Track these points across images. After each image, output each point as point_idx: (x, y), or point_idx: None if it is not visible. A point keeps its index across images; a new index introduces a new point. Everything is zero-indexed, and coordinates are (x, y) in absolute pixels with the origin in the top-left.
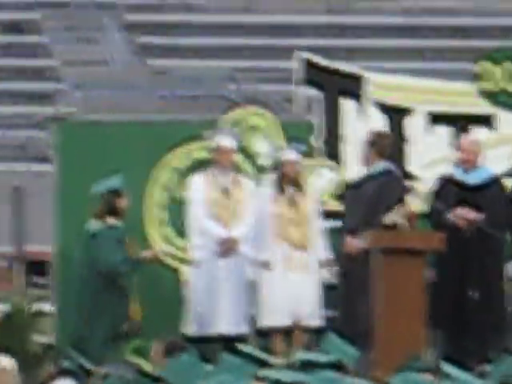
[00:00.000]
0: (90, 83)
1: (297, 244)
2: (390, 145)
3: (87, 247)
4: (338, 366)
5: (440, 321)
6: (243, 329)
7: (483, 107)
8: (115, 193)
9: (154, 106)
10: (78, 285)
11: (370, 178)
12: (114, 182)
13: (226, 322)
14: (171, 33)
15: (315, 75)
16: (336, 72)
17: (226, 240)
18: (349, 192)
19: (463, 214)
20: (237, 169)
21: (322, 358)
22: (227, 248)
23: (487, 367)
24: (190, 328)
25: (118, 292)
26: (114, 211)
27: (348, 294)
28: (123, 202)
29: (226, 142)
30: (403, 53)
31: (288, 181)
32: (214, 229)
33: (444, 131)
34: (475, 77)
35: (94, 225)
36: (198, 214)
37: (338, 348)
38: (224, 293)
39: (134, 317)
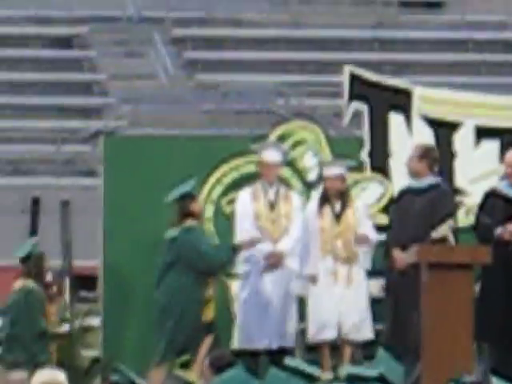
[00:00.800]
0: (137, 97)
1: (342, 257)
2: (438, 159)
3: (168, 253)
4: (382, 380)
5: (487, 335)
6: (290, 343)
7: None
8: (189, 197)
9: (200, 120)
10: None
11: (420, 192)
12: (187, 186)
13: (273, 336)
14: (219, 47)
15: (363, 90)
16: (385, 86)
17: (272, 254)
18: (396, 205)
19: (510, 228)
20: (284, 183)
21: (367, 372)
22: (273, 262)
23: None
24: (238, 342)
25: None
26: (189, 215)
27: (396, 308)
28: (197, 206)
29: (271, 155)
30: (452, 67)
31: (333, 195)
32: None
33: (492, 145)
34: None
35: (171, 232)
36: (244, 228)
37: (385, 362)
38: (270, 307)
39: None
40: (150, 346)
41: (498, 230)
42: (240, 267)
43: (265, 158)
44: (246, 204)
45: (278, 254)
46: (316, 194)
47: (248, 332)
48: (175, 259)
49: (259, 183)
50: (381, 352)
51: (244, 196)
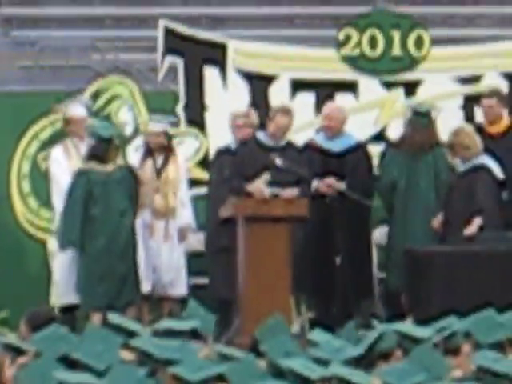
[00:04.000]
0: None
1: (160, 212)
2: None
3: None
4: (195, 333)
5: (306, 287)
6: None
7: (347, 73)
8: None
9: (16, 76)
10: None
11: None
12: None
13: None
14: (34, 3)
15: (178, 44)
16: (199, 40)
17: None
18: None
19: (327, 182)
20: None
21: (181, 325)
22: None
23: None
24: (56, 299)
25: None
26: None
27: (212, 261)
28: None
29: (77, 111)
30: (268, 21)
31: (156, 150)
32: None
33: (308, 98)
34: (339, 43)
35: None
36: (61, 185)
37: (199, 315)
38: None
39: None
40: None
41: (315, 183)
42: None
43: (70, 114)
44: (59, 162)
45: None
46: (131, 149)
47: (66, 287)
48: None
49: (69, 139)
50: (192, 305)
51: (57, 154)
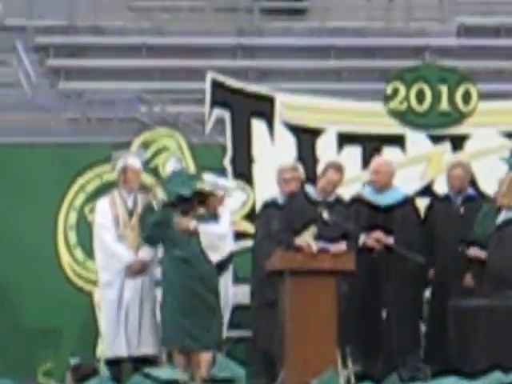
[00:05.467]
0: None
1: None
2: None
3: None
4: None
5: (352, 340)
6: (152, 350)
7: (394, 127)
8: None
9: (63, 128)
10: None
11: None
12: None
13: (135, 344)
14: (81, 55)
15: (225, 96)
16: (247, 93)
17: (133, 263)
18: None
19: (374, 235)
20: (146, 189)
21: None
22: (135, 271)
23: None
24: (102, 350)
25: None
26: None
27: (257, 315)
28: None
29: (132, 162)
30: (315, 74)
31: (200, 202)
32: (121, 253)
33: (354, 151)
34: (386, 97)
35: None
36: (104, 238)
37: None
38: (132, 315)
39: None
40: None
41: (363, 237)
42: (101, 276)
43: (125, 164)
44: (104, 213)
45: (139, 262)
46: None
47: (110, 340)
48: None
49: (116, 191)
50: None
51: (103, 205)
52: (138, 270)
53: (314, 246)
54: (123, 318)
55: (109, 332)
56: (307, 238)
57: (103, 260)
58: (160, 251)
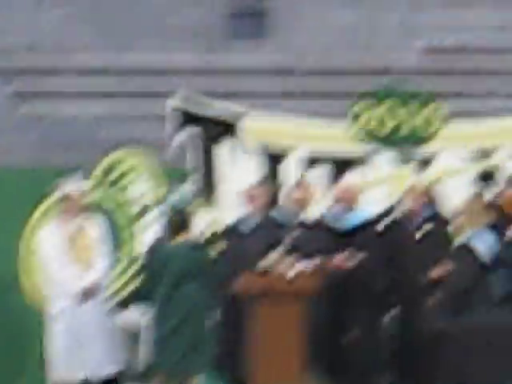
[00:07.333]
0: None
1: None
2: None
3: None
4: None
5: (319, 364)
6: (112, 372)
7: (359, 148)
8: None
9: (26, 151)
10: None
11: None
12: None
13: (90, 367)
14: (42, 77)
15: (189, 119)
16: (210, 116)
17: (83, 290)
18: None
19: (338, 258)
20: (89, 213)
21: None
22: (86, 296)
23: None
24: (52, 376)
25: None
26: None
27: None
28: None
29: (69, 189)
30: (279, 94)
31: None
32: (67, 282)
33: (321, 173)
34: (351, 118)
35: None
36: (50, 269)
37: None
38: (88, 338)
39: None
40: None
41: (323, 260)
42: (50, 308)
43: (65, 192)
44: (48, 242)
45: (92, 286)
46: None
47: (62, 365)
48: None
49: (57, 218)
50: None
51: (45, 235)
52: (89, 294)
53: (279, 267)
54: (75, 344)
55: (62, 357)
56: (275, 258)
57: (52, 291)
58: None
